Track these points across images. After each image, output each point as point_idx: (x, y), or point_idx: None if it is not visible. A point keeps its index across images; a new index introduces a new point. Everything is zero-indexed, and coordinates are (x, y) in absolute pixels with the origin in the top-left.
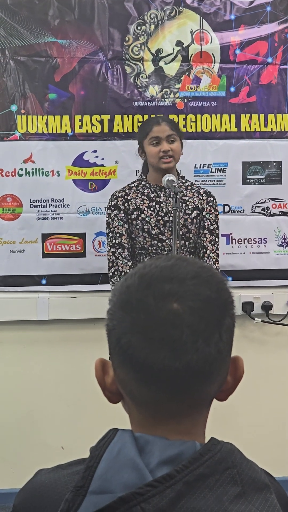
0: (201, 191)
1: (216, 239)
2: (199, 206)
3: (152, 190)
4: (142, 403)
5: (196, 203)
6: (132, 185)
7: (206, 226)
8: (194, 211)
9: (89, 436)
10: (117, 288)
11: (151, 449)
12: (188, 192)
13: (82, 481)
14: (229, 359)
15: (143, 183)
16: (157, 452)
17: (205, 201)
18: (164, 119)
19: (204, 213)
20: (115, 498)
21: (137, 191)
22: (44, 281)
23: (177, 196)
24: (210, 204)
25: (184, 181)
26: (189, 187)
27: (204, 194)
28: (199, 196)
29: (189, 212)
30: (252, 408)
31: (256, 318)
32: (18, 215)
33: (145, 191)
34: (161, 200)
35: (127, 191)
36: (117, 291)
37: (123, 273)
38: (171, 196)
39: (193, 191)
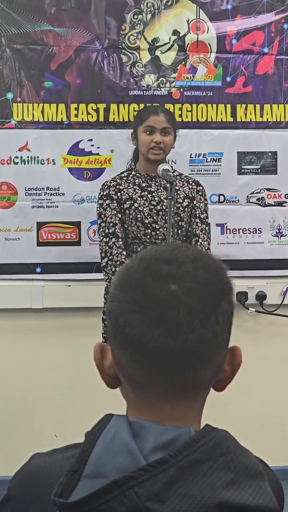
0: (190, 180)
1: (207, 228)
2: (190, 195)
3: (143, 179)
4: (138, 385)
5: (186, 192)
6: (123, 175)
7: (197, 215)
8: (185, 200)
9: (83, 424)
10: (118, 271)
11: (145, 434)
12: (178, 182)
13: (77, 465)
14: (226, 346)
15: (133, 173)
16: (151, 437)
17: (195, 190)
18: (162, 110)
19: (195, 201)
20: (109, 481)
21: (128, 181)
22: (38, 269)
23: (172, 186)
24: (200, 193)
25: (172, 170)
26: (177, 177)
27: (193, 183)
28: (189, 185)
29: (181, 200)
30: (245, 397)
31: (250, 308)
32: (13, 203)
33: (136, 180)
34: (152, 190)
35: (118, 181)
36: (118, 274)
37: (118, 263)
38: (163, 185)
39: (182, 180)
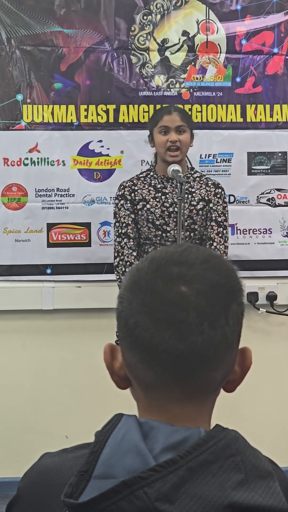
0: (209, 182)
1: (224, 231)
2: (206, 198)
3: (159, 181)
4: (148, 387)
5: (202, 194)
6: (141, 175)
7: (213, 218)
8: (200, 203)
9: (93, 426)
10: (128, 272)
11: (155, 434)
12: (195, 184)
13: (86, 465)
14: (236, 348)
15: (151, 173)
16: (161, 438)
17: (212, 192)
18: (176, 109)
19: (211, 204)
20: (118, 482)
21: (145, 182)
22: (49, 271)
23: (182, 186)
24: (218, 196)
25: (193, 172)
26: (197, 179)
27: (212, 186)
28: (207, 187)
29: (195, 203)
30: (256, 398)
31: (260, 309)
32: (23, 204)
33: (152, 182)
34: (167, 191)
35: (135, 181)
36: (128, 275)
37: (128, 263)
38: (178, 187)
39: (201, 182)
